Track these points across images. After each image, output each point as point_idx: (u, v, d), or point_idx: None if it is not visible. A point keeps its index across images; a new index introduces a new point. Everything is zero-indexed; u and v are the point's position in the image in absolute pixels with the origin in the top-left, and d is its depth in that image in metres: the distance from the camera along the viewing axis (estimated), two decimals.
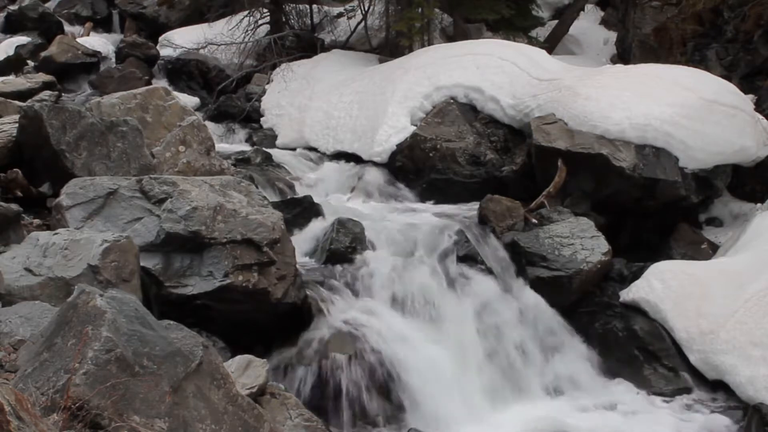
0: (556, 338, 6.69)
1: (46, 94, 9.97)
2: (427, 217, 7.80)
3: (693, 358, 6.27)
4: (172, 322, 3.69)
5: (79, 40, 14.07)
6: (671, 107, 8.05)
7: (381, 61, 11.35)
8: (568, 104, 8.29)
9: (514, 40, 11.71)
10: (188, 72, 13.04)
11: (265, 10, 12.96)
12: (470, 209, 7.95)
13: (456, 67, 9.47)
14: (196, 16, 14.97)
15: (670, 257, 7.50)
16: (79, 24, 16.01)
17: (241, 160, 8.87)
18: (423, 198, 8.79)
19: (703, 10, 11.07)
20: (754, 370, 5.85)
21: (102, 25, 16.38)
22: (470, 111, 9.23)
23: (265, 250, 5.55)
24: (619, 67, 10.34)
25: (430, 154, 8.94)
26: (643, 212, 8.13)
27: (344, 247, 6.73)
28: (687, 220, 8.18)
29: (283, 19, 13.07)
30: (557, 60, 10.14)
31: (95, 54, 13.60)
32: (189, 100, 11.33)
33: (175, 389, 3.32)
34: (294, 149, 10.03)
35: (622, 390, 6.38)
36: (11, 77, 11.48)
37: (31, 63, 13.27)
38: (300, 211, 7.38)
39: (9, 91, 9.80)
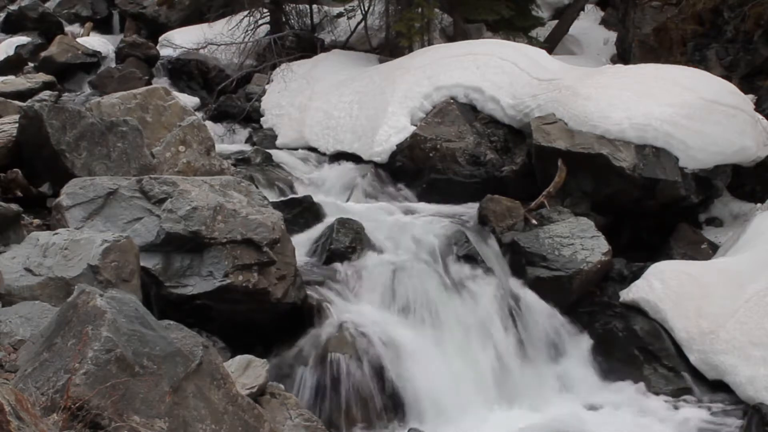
0: (556, 338, 6.69)
1: (46, 94, 9.97)
2: (427, 217, 7.80)
3: (693, 358, 6.28)
4: (172, 322, 3.69)
5: (79, 40, 14.07)
6: (671, 107, 8.04)
7: (381, 61, 11.34)
8: (568, 104, 8.29)
9: (514, 40, 11.69)
10: (188, 72, 13.04)
11: (265, 10, 12.94)
12: (470, 209, 7.95)
13: (456, 67, 9.46)
14: (196, 16, 14.95)
15: (670, 257, 7.49)
16: (79, 24, 16.01)
17: (241, 160, 8.86)
18: (423, 198, 8.77)
19: (703, 10, 11.06)
20: (754, 370, 5.85)
21: (102, 25, 16.38)
22: (470, 111, 9.22)
23: (265, 250, 5.55)
24: (619, 67, 10.32)
25: (430, 154, 8.93)
26: (643, 212, 8.12)
27: (344, 247, 6.73)
28: (687, 220, 8.16)
29: (283, 19, 13.05)
30: (557, 60, 10.13)
31: (95, 54, 13.61)
32: (189, 100, 11.33)
33: (175, 389, 3.32)
34: (294, 149, 10.01)
35: (622, 390, 6.38)
36: (11, 77, 11.47)
37: (31, 63, 13.28)
38: (300, 211, 7.38)
39: (9, 91, 9.81)
